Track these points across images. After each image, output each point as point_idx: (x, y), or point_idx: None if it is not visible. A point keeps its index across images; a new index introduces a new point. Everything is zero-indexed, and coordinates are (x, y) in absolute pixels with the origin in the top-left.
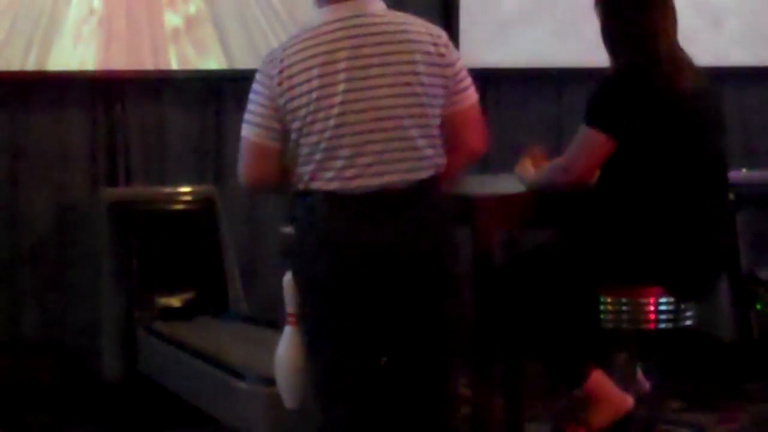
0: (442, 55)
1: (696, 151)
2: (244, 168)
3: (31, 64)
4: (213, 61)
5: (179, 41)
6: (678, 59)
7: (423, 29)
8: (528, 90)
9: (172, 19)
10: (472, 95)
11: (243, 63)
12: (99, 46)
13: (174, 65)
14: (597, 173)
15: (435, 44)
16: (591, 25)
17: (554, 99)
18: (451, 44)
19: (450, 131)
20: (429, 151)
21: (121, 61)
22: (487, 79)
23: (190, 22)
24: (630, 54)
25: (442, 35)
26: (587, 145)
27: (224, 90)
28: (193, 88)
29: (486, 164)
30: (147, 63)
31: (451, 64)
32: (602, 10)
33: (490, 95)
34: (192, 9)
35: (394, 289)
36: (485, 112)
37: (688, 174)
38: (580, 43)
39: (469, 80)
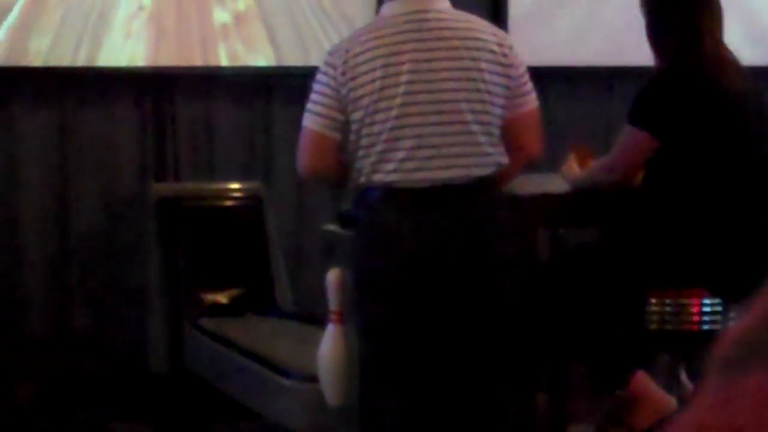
0: (505, 56)
1: (741, 151)
2: (302, 157)
3: (81, 60)
4: (262, 58)
5: (228, 37)
6: (723, 59)
7: (488, 29)
8: (579, 88)
9: (221, 15)
10: (533, 100)
11: (292, 59)
12: (148, 41)
13: (223, 61)
14: (642, 173)
15: (499, 44)
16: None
17: (605, 97)
18: (514, 47)
19: (510, 134)
20: (490, 149)
21: (170, 57)
22: (536, 77)
23: (239, 18)
24: (675, 53)
25: (507, 38)
26: (630, 145)
27: (273, 86)
28: (242, 84)
29: (536, 164)
30: (196, 59)
31: (514, 66)
32: (648, 10)
33: (539, 94)
34: (241, 5)
35: (453, 285)
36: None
37: (733, 174)
38: (634, 41)
39: (530, 85)
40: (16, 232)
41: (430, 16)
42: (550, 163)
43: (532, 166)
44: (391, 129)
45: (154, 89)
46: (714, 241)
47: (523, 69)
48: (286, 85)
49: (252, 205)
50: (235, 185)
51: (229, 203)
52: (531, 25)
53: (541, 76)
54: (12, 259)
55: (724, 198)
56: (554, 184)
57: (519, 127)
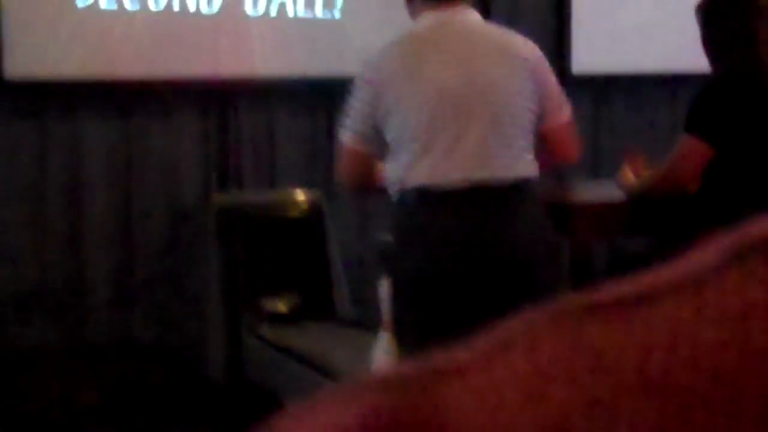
0: (536, 66)
1: None
2: (341, 171)
3: (142, 71)
4: (324, 66)
5: (290, 45)
6: None
7: (519, 39)
8: (640, 96)
9: (282, 23)
10: (566, 110)
11: (354, 68)
12: (210, 50)
13: (285, 70)
14: (698, 181)
15: (531, 54)
16: None
17: (668, 105)
18: (545, 60)
19: (545, 143)
20: (524, 154)
21: (232, 66)
22: (599, 85)
23: (300, 26)
24: (730, 61)
25: (537, 49)
26: (686, 153)
27: (335, 94)
28: (304, 93)
29: (596, 170)
30: (258, 68)
31: (546, 77)
32: (703, 17)
33: (601, 101)
34: (301, 13)
35: (488, 287)
36: (596, 118)
37: None
38: (698, 47)
39: (563, 98)
40: (81, 241)
41: (462, 26)
42: (612, 170)
43: (596, 173)
44: (425, 131)
45: (216, 99)
46: None
47: (553, 81)
48: (347, 95)
49: (312, 213)
50: (295, 194)
51: (289, 212)
52: (592, 33)
53: (605, 83)
54: (77, 266)
55: None
56: (610, 192)
57: (554, 139)
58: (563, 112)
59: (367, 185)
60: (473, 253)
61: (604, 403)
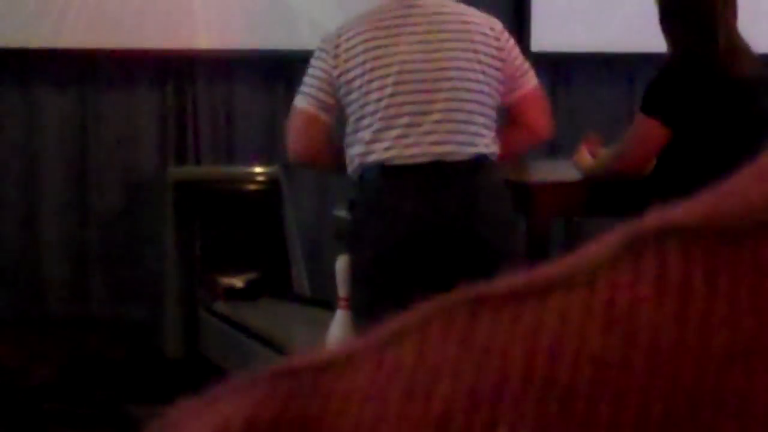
0: (497, 39)
1: (753, 140)
2: (292, 139)
3: (101, 42)
4: (284, 40)
5: (250, 20)
6: (736, 47)
7: (479, 14)
8: (600, 75)
9: None
10: (531, 78)
11: (314, 43)
12: (167, 23)
13: (245, 44)
14: (653, 162)
15: (492, 29)
16: None
17: (626, 85)
18: (506, 32)
19: (516, 115)
20: (484, 130)
21: (190, 39)
22: (558, 63)
23: (262, 1)
24: (688, 42)
25: (498, 23)
26: (642, 134)
27: (295, 69)
28: (263, 67)
29: (555, 149)
30: (217, 41)
31: (506, 50)
32: None
33: (560, 80)
34: None
35: (448, 264)
36: (555, 98)
37: (744, 163)
38: (655, 29)
39: (527, 65)
40: (37, 214)
41: (426, 2)
42: (571, 150)
43: (555, 152)
44: (386, 107)
45: (175, 71)
46: None
47: (516, 51)
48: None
49: (270, 189)
50: (253, 169)
51: (246, 187)
52: (552, 11)
53: (562, 62)
54: (32, 240)
55: None
56: (567, 172)
57: (523, 107)
58: (529, 79)
59: (320, 156)
60: (434, 229)
61: (486, 400)
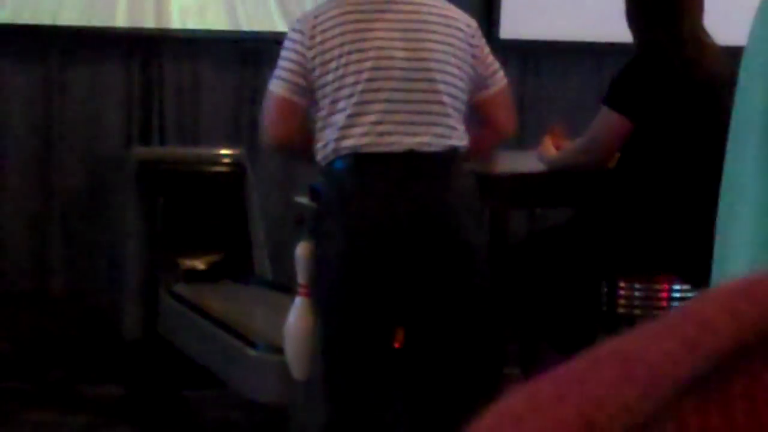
0: (473, 36)
1: (716, 135)
2: (267, 124)
3: (68, 19)
4: (253, 23)
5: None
6: (701, 42)
7: (457, 12)
8: (569, 64)
9: None
10: (501, 79)
11: (283, 26)
12: (135, 2)
13: (213, 25)
14: (616, 155)
15: (468, 25)
16: None
17: (595, 74)
18: (480, 31)
19: (483, 113)
20: (458, 123)
21: (157, 19)
22: (527, 51)
23: None
24: (653, 35)
25: (473, 21)
26: (606, 127)
27: (263, 51)
28: (231, 49)
29: (522, 139)
30: (186, 21)
31: (480, 47)
32: None
33: (529, 69)
34: None
35: (418, 255)
36: (524, 86)
37: (707, 160)
38: (623, 18)
39: (497, 64)
40: (0, 190)
41: None
42: (538, 139)
43: (522, 142)
44: (362, 92)
45: (141, 51)
46: (685, 227)
47: (488, 50)
48: (277, 52)
49: (234, 172)
50: (217, 151)
51: (210, 169)
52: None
53: (531, 50)
54: None
55: (696, 183)
56: (530, 163)
57: (490, 106)
58: (498, 79)
59: (295, 142)
60: (406, 219)
61: None
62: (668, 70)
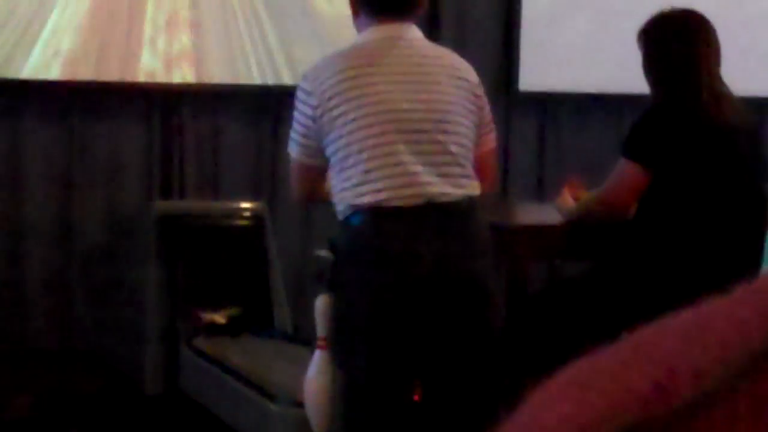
0: (478, 87)
1: (735, 187)
2: (292, 184)
3: (89, 74)
4: (271, 76)
5: (238, 54)
6: (719, 93)
7: (460, 61)
8: (587, 116)
9: (229, 31)
10: (493, 140)
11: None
12: (156, 55)
13: (231, 77)
14: (635, 206)
15: (473, 76)
16: None
17: (614, 126)
18: (482, 84)
19: (475, 169)
20: (469, 172)
21: (179, 73)
22: (545, 103)
23: (252, 36)
24: (671, 86)
25: (475, 74)
26: (624, 178)
27: (281, 104)
28: (249, 102)
29: (543, 190)
30: (205, 76)
31: (482, 100)
32: (646, 41)
33: (548, 120)
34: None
35: (439, 309)
36: (542, 138)
37: (726, 210)
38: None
39: (493, 124)
40: (21, 244)
41: (406, 43)
42: (556, 191)
43: (542, 193)
44: (373, 147)
45: (161, 105)
46: (705, 277)
47: (488, 107)
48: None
49: (254, 224)
50: (237, 204)
51: (230, 222)
52: (541, 51)
53: (550, 102)
54: (16, 270)
55: (715, 234)
56: (548, 215)
57: (483, 163)
58: (492, 138)
59: (318, 197)
60: (429, 273)
61: None
62: (686, 120)
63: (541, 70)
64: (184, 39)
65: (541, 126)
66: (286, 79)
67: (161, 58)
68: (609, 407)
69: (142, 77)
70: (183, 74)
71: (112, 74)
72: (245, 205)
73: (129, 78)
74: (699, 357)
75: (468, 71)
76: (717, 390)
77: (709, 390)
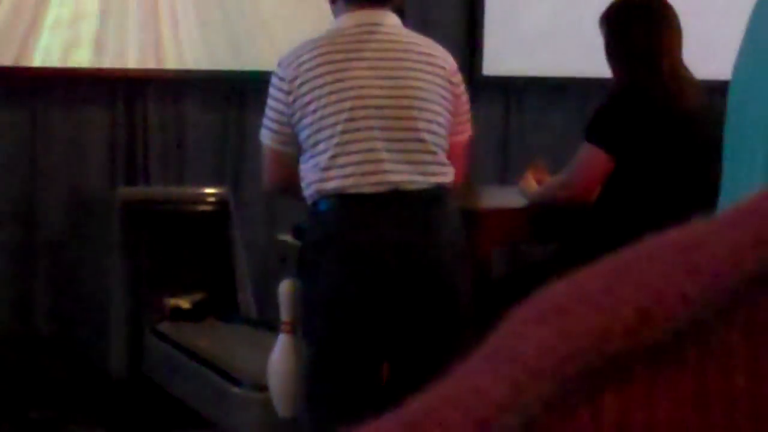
0: (454, 75)
1: (697, 171)
2: (264, 172)
3: (53, 61)
4: (235, 61)
5: (203, 40)
6: (681, 78)
7: (437, 48)
8: (551, 100)
9: (193, 17)
10: (468, 129)
11: (267, 64)
12: (122, 43)
13: (195, 63)
14: (598, 190)
15: (450, 64)
16: None
17: (576, 109)
18: (459, 72)
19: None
20: (442, 160)
21: (142, 59)
22: (509, 87)
23: (216, 22)
24: (633, 72)
25: (452, 60)
26: (587, 162)
27: (246, 89)
28: (214, 87)
29: (506, 175)
30: (169, 62)
31: (459, 89)
32: (608, 27)
33: (512, 105)
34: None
35: (406, 296)
36: (506, 122)
37: (688, 195)
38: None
39: (469, 114)
40: None
41: (382, 29)
42: (520, 175)
43: (506, 178)
44: (342, 133)
45: (125, 91)
46: None
47: (466, 95)
48: (260, 90)
49: (218, 210)
50: (201, 190)
51: (194, 208)
52: (504, 35)
53: (514, 86)
54: None
55: (677, 218)
56: (512, 199)
57: (456, 153)
58: (467, 128)
59: (289, 187)
60: (393, 261)
61: None
62: (649, 105)
63: (505, 54)
64: (150, 23)
65: (506, 109)
66: (251, 65)
67: (128, 43)
68: (592, 336)
69: (106, 63)
70: (148, 59)
71: (75, 60)
72: (209, 190)
73: (93, 62)
74: (688, 282)
75: (445, 59)
76: (708, 318)
77: (699, 318)
